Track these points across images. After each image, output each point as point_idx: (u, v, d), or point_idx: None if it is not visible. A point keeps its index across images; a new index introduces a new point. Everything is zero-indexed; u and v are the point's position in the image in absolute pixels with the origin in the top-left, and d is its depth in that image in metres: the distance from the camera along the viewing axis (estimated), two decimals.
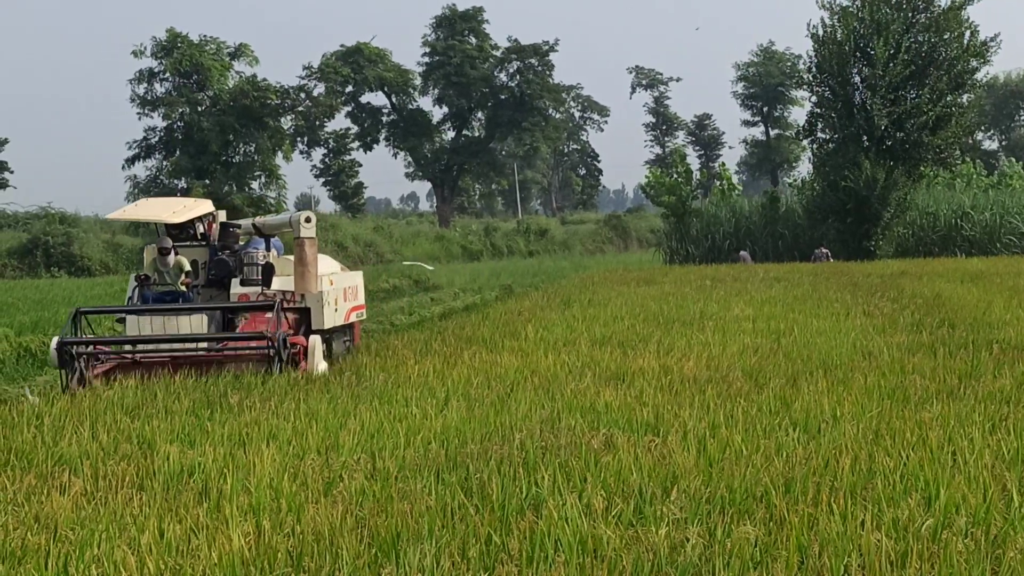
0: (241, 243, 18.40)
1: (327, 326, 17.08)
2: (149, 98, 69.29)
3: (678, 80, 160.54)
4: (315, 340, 15.99)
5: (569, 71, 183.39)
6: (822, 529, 6.86)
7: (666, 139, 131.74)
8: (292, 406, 12.09)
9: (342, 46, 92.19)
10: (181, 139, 68.37)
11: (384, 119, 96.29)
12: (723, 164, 70.38)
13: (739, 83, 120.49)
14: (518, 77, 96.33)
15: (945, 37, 50.15)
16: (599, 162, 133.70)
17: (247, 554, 6.79)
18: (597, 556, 6.59)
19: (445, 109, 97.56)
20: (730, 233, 54.73)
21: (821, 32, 50.83)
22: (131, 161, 70.49)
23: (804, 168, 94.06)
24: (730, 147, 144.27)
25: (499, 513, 7.43)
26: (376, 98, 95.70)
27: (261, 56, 69.66)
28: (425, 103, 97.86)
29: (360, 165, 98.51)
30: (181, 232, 17.98)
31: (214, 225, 18.29)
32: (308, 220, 16.71)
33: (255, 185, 69.26)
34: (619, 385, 12.93)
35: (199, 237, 18.15)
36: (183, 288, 17.35)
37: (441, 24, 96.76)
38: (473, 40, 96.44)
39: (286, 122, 72.29)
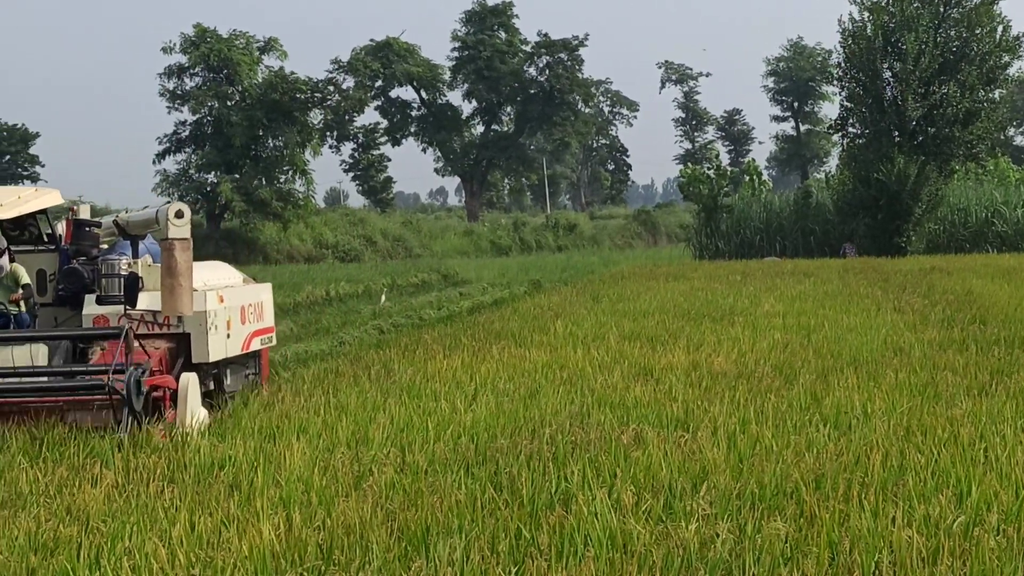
0: (104, 247, 13.81)
1: (214, 358, 12.51)
2: (179, 92, 69.60)
3: (708, 75, 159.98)
4: (187, 380, 11.71)
5: (599, 66, 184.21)
6: (853, 525, 6.84)
7: (696, 134, 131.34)
8: (322, 399, 12.14)
9: (372, 41, 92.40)
10: (211, 133, 68.63)
11: (413, 114, 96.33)
12: (752, 160, 69.72)
13: (769, 78, 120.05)
14: (548, 72, 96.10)
15: (977, 32, 49.87)
16: (628, 157, 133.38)
17: (277, 547, 6.82)
18: (627, 551, 6.59)
19: (474, 104, 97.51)
20: (760, 228, 54.53)
21: (851, 27, 50.61)
22: (162, 155, 70.84)
23: (834, 163, 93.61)
24: (760, 142, 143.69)
25: (529, 508, 7.44)
26: (406, 92, 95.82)
27: (289, 52, 69.52)
28: (455, 98, 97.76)
29: (389, 160, 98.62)
30: (20, 232, 13.50)
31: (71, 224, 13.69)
32: (179, 215, 11.82)
33: (284, 179, 69.39)
34: (648, 380, 12.92)
35: (46, 239, 13.64)
36: (16, 309, 12.55)
37: (471, 19, 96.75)
38: (503, 35, 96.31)
39: (315, 116, 72.36)
